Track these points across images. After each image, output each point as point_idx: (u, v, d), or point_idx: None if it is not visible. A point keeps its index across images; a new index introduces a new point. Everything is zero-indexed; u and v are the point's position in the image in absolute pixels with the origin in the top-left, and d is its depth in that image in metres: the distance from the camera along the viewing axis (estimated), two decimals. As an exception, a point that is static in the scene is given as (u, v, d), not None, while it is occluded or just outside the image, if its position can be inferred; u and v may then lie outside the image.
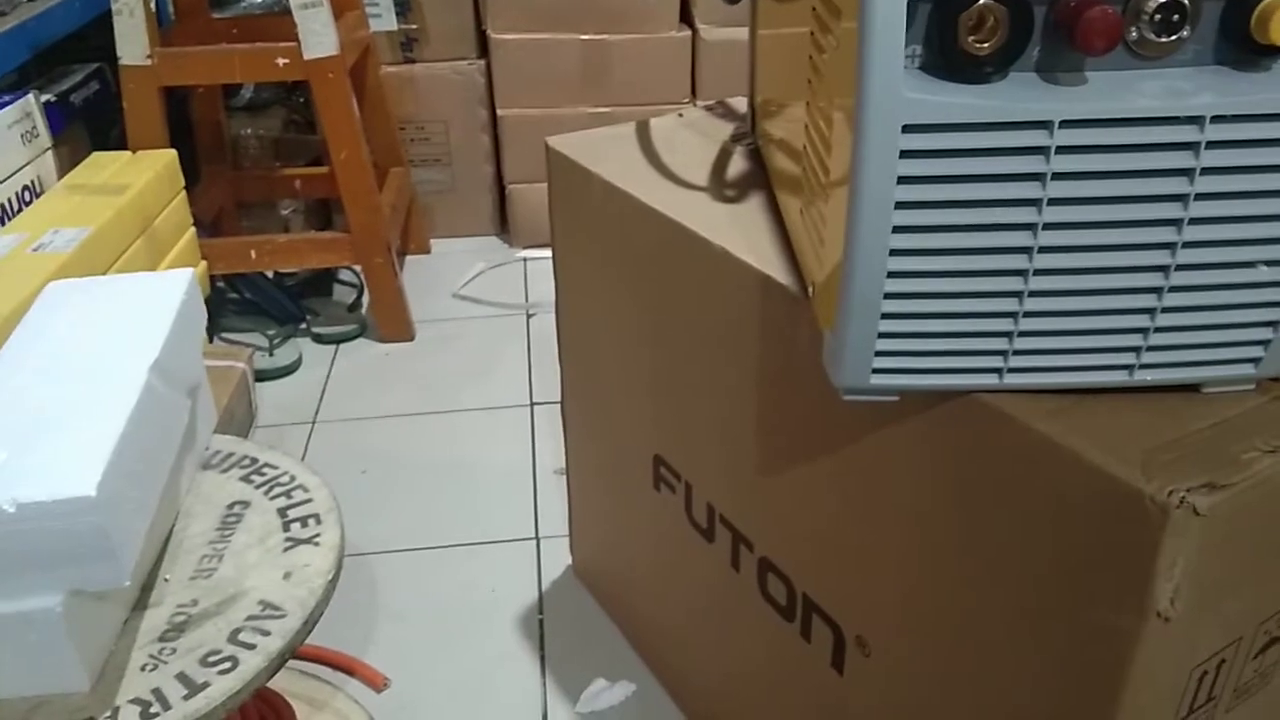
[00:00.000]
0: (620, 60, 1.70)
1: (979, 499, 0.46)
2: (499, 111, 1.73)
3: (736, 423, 0.64)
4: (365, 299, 1.55)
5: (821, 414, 0.55)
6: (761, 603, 0.67)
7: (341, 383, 1.37)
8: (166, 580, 0.61)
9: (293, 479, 0.70)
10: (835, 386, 0.45)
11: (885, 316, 0.42)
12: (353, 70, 1.54)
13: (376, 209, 1.40)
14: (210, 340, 1.44)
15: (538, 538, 1.06)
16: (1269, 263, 0.40)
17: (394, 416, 1.28)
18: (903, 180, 0.39)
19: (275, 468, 0.71)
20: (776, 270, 0.57)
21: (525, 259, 1.74)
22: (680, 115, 0.87)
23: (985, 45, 0.37)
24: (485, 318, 1.55)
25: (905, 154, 0.38)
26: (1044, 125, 0.37)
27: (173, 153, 1.29)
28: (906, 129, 0.38)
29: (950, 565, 0.49)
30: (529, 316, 1.54)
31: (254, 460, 0.72)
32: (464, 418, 1.28)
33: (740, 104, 0.84)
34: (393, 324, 1.46)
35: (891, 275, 0.41)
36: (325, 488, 0.69)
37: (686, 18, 1.70)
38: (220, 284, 1.51)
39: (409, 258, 1.75)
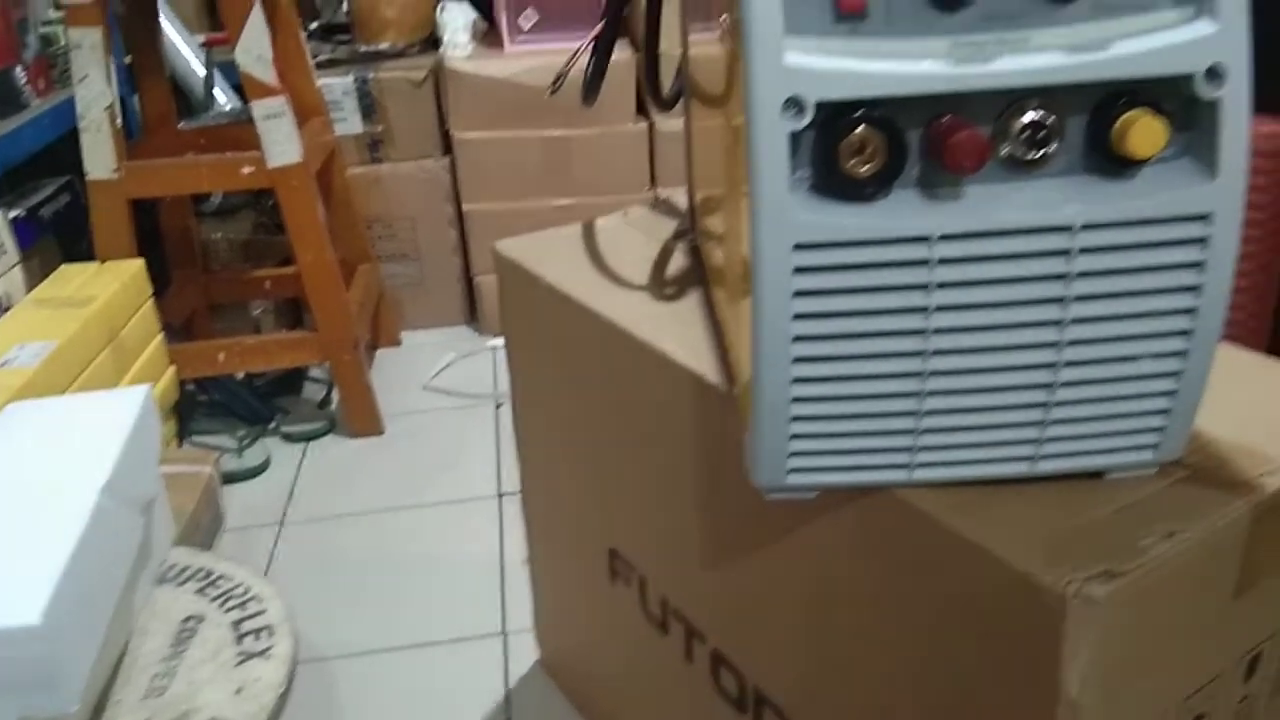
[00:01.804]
0: (581, 155, 1.75)
1: (899, 592, 0.47)
2: (464, 207, 1.77)
3: (680, 517, 0.66)
4: (335, 395, 1.56)
5: (755, 510, 0.56)
6: (715, 696, 0.67)
7: (310, 481, 1.37)
8: (119, 702, 0.61)
9: (247, 590, 0.71)
10: (755, 485, 0.47)
11: (795, 419, 0.44)
12: (319, 173, 1.58)
13: (343, 307, 1.42)
14: (180, 444, 1.45)
15: (505, 633, 1.06)
16: (1152, 355, 0.42)
17: (362, 514, 1.29)
18: (798, 294, 0.41)
19: (230, 579, 0.72)
20: (709, 370, 0.59)
21: (495, 348, 1.76)
22: (625, 214, 0.90)
23: (865, 169, 0.40)
24: (455, 409, 1.56)
25: (799, 270, 0.40)
26: (924, 240, 0.40)
27: (140, 262, 1.31)
28: (798, 247, 0.40)
29: (880, 659, 0.50)
30: (498, 406, 1.55)
31: (209, 572, 0.73)
32: (432, 512, 1.29)
33: (684, 199, 0.88)
34: (361, 419, 1.47)
35: (796, 381, 0.43)
36: (279, 598, 0.70)
37: (643, 110, 1.76)
38: (191, 387, 1.53)
39: (379, 351, 1.77)
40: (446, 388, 1.62)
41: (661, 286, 0.74)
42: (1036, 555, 0.41)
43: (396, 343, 1.79)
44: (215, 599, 0.70)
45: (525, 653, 1.03)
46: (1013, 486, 0.45)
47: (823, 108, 0.39)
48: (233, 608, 0.69)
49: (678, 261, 0.78)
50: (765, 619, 0.59)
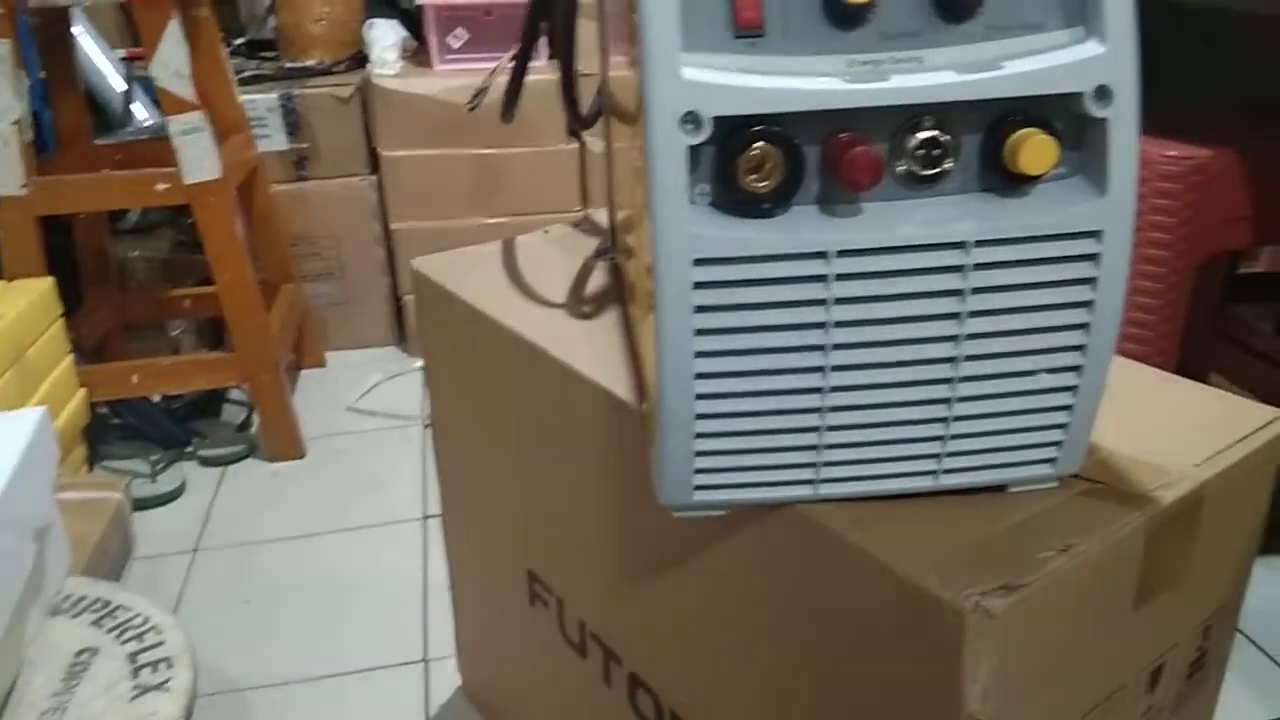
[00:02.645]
0: (511, 173, 1.74)
1: (807, 609, 0.47)
2: (391, 225, 1.75)
3: (596, 538, 0.65)
4: (255, 418, 1.52)
5: (665, 530, 0.56)
6: (633, 719, 0.66)
7: (227, 507, 1.33)
8: (2, 739, 0.58)
9: (146, 621, 0.68)
10: (661, 504, 0.46)
11: (699, 436, 0.44)
12: (241, 190, 1.54)
13: (263, 327, 1.39)
14: (90, 468, 1.40)
15: (426, 660, 1.04)
16: (1048, 370, 0.43)
17: (280, 540, 1.25)
18: (700, 309, 0.41)
19: (128, 609, 0.69)
20: (623, 388, 0.59)
21: (423, 368, 1.73)
22: (546, 232, 0.89)
23: (764, 184, 0.40)
24: (380, 430, 1.53)
25: (699, 285, 0.40)
26: (821, 255, 0.40)
27: (49, 280, 1.27)
28: (698, 262, 0.40)
29: (788, 677, 0.50)
30: (425, 427, 1.53)
31: (107, 603, 0.70)
32: (354, 536, 1.26)
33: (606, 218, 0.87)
34: (282, 442, 1.43)
35: (700, 397, 0.42)
36: (180, 628, 0.67)
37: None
38: (104, 410, 1.48)
39: (303, 372, 1.74)
40: (372, 409, 1.59)
41: (580, 304, 0.73)
42: (937, 570, 0.41)
43: (321, 363, 1.76)
44: (112, 630, 0.68)
45: (447, 680, 1.00)
46: (916, 501, 0.45)
47: (720, 123, 0.39)
48: (130, 639, 0.66)
49: (597, 280, 0.78)
50: (677, 640, 0.59)
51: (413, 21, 1.82)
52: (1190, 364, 1.28)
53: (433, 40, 1.71)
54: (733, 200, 0.40)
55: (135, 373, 1.39)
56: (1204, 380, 1.39)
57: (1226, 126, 1.08)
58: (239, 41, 1.95)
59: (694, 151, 0.39)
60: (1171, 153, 1.00)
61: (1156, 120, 1.07)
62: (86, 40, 1.82)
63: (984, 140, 0.40)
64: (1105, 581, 0.44)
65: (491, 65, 1.69)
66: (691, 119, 0.39)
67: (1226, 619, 0.56)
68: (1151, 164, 1.01)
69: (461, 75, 1.68)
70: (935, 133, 0.40)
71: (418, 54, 1.81)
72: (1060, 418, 0.44)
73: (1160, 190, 1.01)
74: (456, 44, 1.73)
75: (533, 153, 1.72)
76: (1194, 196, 1.00)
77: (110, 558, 1.17)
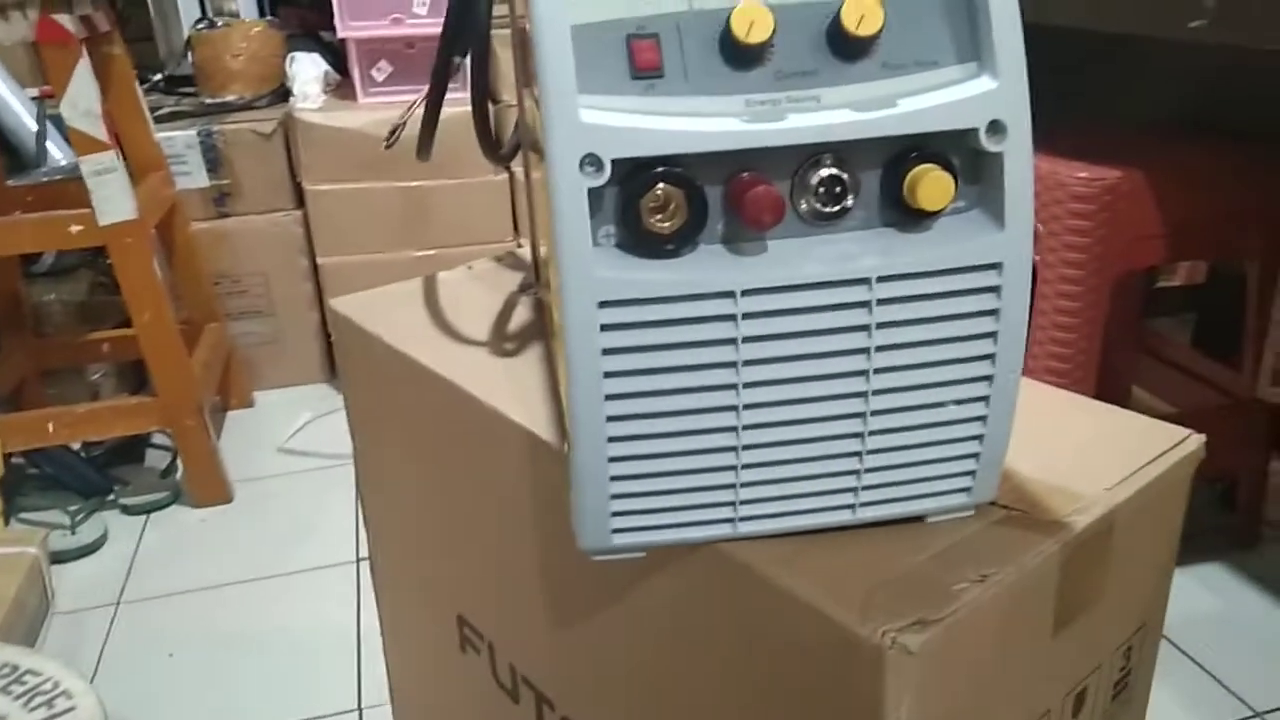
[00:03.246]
0: (440, 205, 1.72)
1: (732, 649, 0.47)
2: (319, 260, 1.72)
3: (523, 580, 0.64)
4: (180, 463, 1.48)
5: (589, 572, 0.55)
6: (566, 763, 0.65)
7: (151, 557, 1.29)
8: (-105, 822, 0.55)
9: (56, 685, 0.65)
10: (581, 548, 0.46)
11: (614, 479, 0.43)
12: (160, 228, 1.51)
13: (185, 370, 1.36)
14: (6, 522, 1.34)
15: (360, 709, 1.01)
16: (957, 401, 0.43)
17: (207, 589, 1.22)
18: (607, 351, 0.40)
19: (38, 674, 0.66)
20: (544, 428, 0.58)
21: (351, 407, 1.70)
22: (470, 268, 0.88)
23: (668, 225, 0.39)
24: (311, 470, 1.50)
25: (606, 327, 0.40)
26: (728, 295, 0.39)
27: (-45, 329, 1.23)
28: (603, 304, 0.39)
29: (716, 717, 0.49)
30: (358, 466, 1.50)
31: (14, 668, 0.67)
32: (284, 582, 1.23)
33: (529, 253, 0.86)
34: (207, 487, 1.40)
35: (612, 440, 0.42)
36: (92, 693, 0.64)
37: (501, 161, 1.75)
38: (19, 460, 1.42)
39: (230, 414, 1.70)
40: (303, 449, 1.56)
41: (502, 341, 0.72)
42: (854, 606, 0.41)
43: (249, 404, 1.72)
44: (20, 697, 0.65)
45: (382, 727, 0.98)
46: (836, 536, 0.45)
47: (620, 165, 0.38)
48: (39, 706, 0.64)
49: (521, 315, 0.77)
50: (607, 683, 0.58)
51: (336, 55, 1.81)
52: (1112, 379, 1.31)
53: (356, 73, 1.70)
54: (638, 241, 0.40)
55: (51, 421, 1.34)
56: (1126, 394, 1.43)
57: (1135, 146, 1.11)
58: (157, 78, 1.92)
59: (596, 194, 0.39)
60: (1083, 174, 1.03)
61: (1067, 141, 1.10)
62: (-4, 79, 1.78)
63: (883, 177, 0.41)
64: (1022, 609, 0.44)
65: (416, 98, 1.68)
66: (592, 161, 0.38)
67: (1148, 637, 0.56)
68: (1064, 185, 1.04)
69: (386, 109, 1.67)
70: (835, 170, 0.40)
71: (341, 87, 1.79)
72: (972, 447, 0.44)
73: (1073, 211, 1.03)
74: (380, 77, 1.72)
75: (461, 184, 1.71)
76: (1106, 216, 1.03)
77: (27, 615, 1.13)
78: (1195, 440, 0.53)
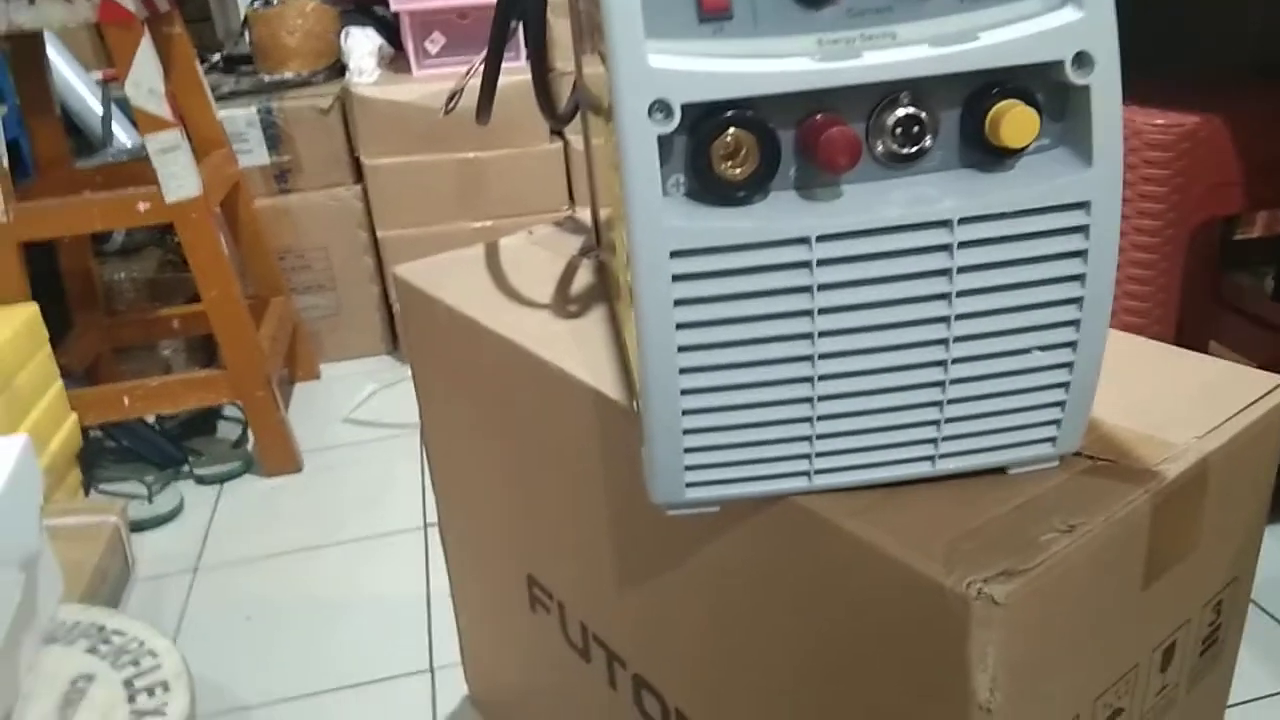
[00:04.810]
0: (496, 176, 1.72)
1: (809, 603, 0.46)
2: (379, 234, 1.74)
3: (594, 539, 0.64)
4: (250, 434, 1.51)
5: (662, 528, 0.54)
6: (640, 721, 0.65)
7: (225, 525, 1.32)
8: (-2, 775, 0.57)
9: (141, 644, 0.67)
10: (654, 502, 0.45)
11: (688, 432, 0.42)
12: (224, 206, 1.53)
13: (253, 343, 1.38)
14: (87, 493, 1.38)
15: (432, 669, 1.03)
16: (1042, 347, 0.42)
17: (280, 555, 1.24)
18: (679, 302, 0.39)
19: (123, 634, 0.68)
20: (612, 387, 0.58)
21: (416, 377, 1.72)
22: (530, 233, 0.88)
23: (739, 171, 0.38)
24: (378, 440, 1.52)
25: (677, 278, 0.39)
26: (803, 241, 0.39)
27: (33, 307, 1.26)
28: (675, 254, 0.39)
29: (792, 673, 0.49)
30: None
31: (101, 628, 0.69)
32: (354, 548, 1.25)
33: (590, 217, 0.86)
34: (278, 457, 1.42)
35: (685, 393, 0.41)
36: (174, 651, 0.66)
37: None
38: (97, 433, 1.47)
39: (298, 386, 1.73)
40: (368, 419, 1.58)
41: (565, 304, 0.72)
42: (938, 557, 0.40)
43: (315, 376, 1.75)
44: (107, 656, 0.67)
45: (454, 688, 0.99)
46: (915, 487, 0.44)
47: (690, 110, 0.37)
48: (126, 664, 0.65)
49: (583, 279, 0.77)
50: (679, 640, 0.58)
51: (389, 28, 1.81)
52: (1189, 333, 1.26)
53: (410, 46, 1.70)
54: (708, 189, 0.39)
55: (126, 395, 1.38)
56: (1204, 349, 1.38)
57: (1211, 92, 1.06)
58: (215, 58, 1.94)
59: (666, 141, 0.38)
60: (1159, 121, 0.99)
61: (1142, 89, 1.06)
62: (61, 63, 1.81)
63: (963, 115, 0.39)
64: (1111, 561, 0.43)
65: (471, 65, 1.67)
66: (661, 107, 0.37)
67: (1239, 592, 0.55)
68: (1140, 133, 1.00)
69: (440, 80, 1.67)
70: (912, 109, 0.38)
71: (396, 60, 1.79)
72: (1057, 395, 0.43)
73: (1149, 159, 1.00)
74: (434, 49, 1.72)
75: (516, 154, 1.71)
76: (1184, 164, 0.99)
77: (110, 582, 1.16)
78: (1289, 387, 0.51)
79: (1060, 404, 0.43)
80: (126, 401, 1.37)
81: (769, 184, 0.39)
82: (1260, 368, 1.28)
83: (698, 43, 0.38)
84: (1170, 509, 0.44)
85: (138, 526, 1.31)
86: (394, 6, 1.66)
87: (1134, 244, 1.03)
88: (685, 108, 0.37)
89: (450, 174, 1.71)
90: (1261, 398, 0.50)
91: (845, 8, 0.38)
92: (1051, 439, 0.44)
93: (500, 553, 0.80)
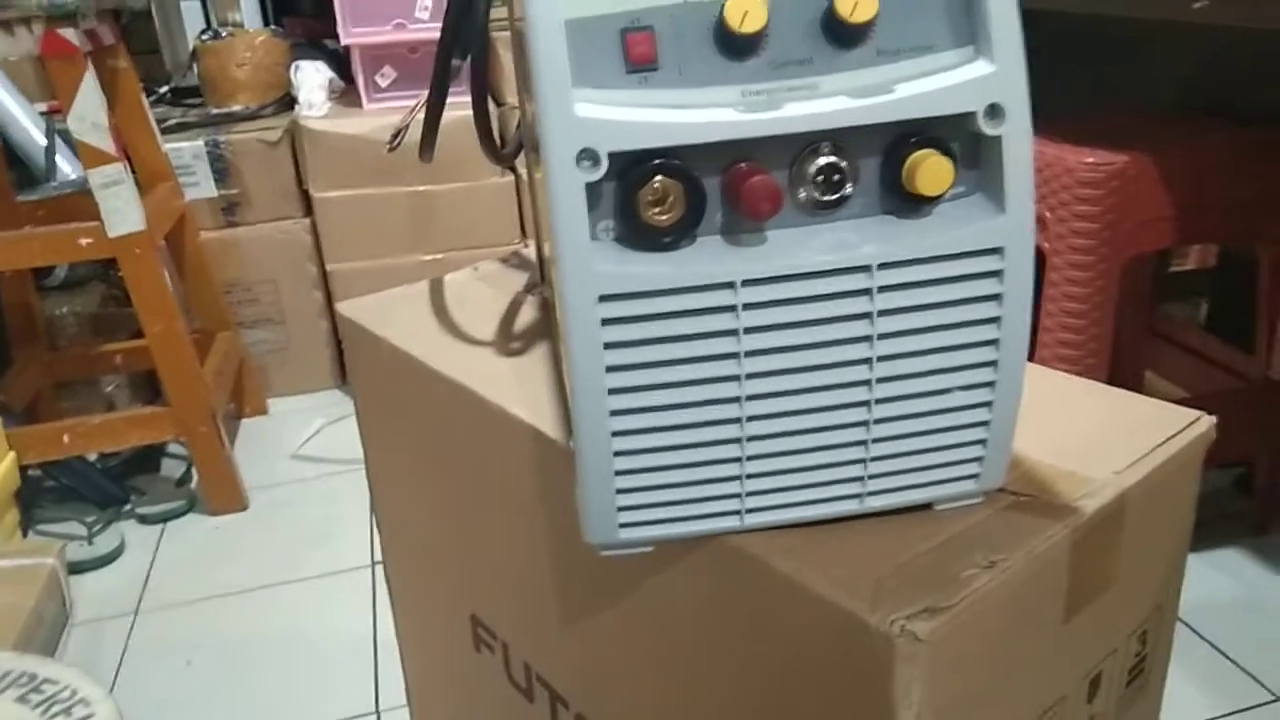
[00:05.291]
0: (447, 209, 1.73)
1: (743, 642, 0.47)
2: (328, 267, 1.73)
3: (534, 579, 0.64)
4: (195, 471, 1.49)
5: (602, 568, 0.55)
6: (582, 760, 0.65)
7: (168, 566, 1.30)
8: (-82, 831, 0.56)
9: (74, 693, 0.66)
10: (588, 543, 0.46)
11: (620, 473, 0.43)
12: (170, 239, 1.52)
13: (197, 379, 1.36)
14: (24, 534, 1.35)
15: (378, 712, 1.01)
16: (962, 387, 0.43)
17: (223, 596, 1.22)
18: (609, 345, 0.40)
19: (55, 683, 0.67)
20: (551, 425, 0.58)
21: (363, 412, 1.71)
22: (476, 269, 0.88)
23: (666, 217, 0.39)
24: (326, 476, 1.51)
25: (607, 321, 0.40)
26: (728, 285, 0.39)
27: (-31, 343, 1.24)
28: (603, 298, 0.39)
29: (733, 711, 0.49)
30: (371, 471, 1.50)
31: (33, 676, 0.68)
32: (301, 588, 1.23)
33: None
34: (222, 495, 1.40)
35: (617, 434, 0.42)
36: (109, 700, 0.65)
37: (507, 163, 1.75)
38: (36, 472, 1.43)
39: (245, 421, 1.71)
40: (317, 455, 1.57)
41: (508, 341, 0.72)
42: (863, 595, 0.40)
43: (263, 411, 1.73)
44: (39, 705, 0.65)
45: (400, 729, 0.98)
46: (844, 525, 0.45)
47: (617, 158, 0.38)
48: (57, 713, 0.64)
49: (527, 315, 0.77)
50: (620, 680, 0.58)
51: (340, 61, 1.81)
52: (1125, 364, 1.30)
53: (360, 80, 1.70)
54: (637, 235, 0.40)
55: (66, 433, 1.35)
56: (1139, 379, 1.42)
57: (1142, 131, 1.10)
58: (163, 89, 1.93)
59: (594, 188, 0.39)
60: (1090, 159, 1.02)
61: (1073, 127, 1.09)
62: (3, 94, 1.79)
63: (882, 163, 0.41)
64: (1033, 595, 0.44)
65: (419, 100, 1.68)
66: (588, 155, 0.38)
67: (1163, 621, 0.56)
68: (1071, 171, 1.03)
69: (391, 114, 1.67)
70: (833, 158, 0.40)
71: (346, 94, 1.80)
72: (979, 433, 0.44)
73: (1081, 196, 1.03)
74: (384, 82, 1.72)
75: (467, 187, 1.72)
76: (1114, 200, 1.03)
77: (46, 626, 1.13)
78: (1205, 422, 0.52)
79: (982, 442, 0.44)
80: (67, 439, 1.34)
81: (696, 229, 0.40)
82: (1194, 396, 1.32)
83: (625, 92, 0.39)
84: (1089, 543, 0.46)
85: (77, 568, 1.28)
86: (344, 40, 1.67)
87: (1068, 278, 1.06)
88: (612, 156, 0.38)
89: (401, 207, 1.71)
90: (1179, 432, 0.52)
91: (768, 59, 0.39)
92: (975, 476, 0.45)
93: (444, 592, 0.80)
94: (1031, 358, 1.21)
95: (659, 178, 0.39)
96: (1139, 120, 1.17)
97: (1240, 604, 1.10)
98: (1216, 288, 1.50)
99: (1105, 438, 0.52)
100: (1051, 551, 0.44)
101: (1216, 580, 1.13)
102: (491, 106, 1.65)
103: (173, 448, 1.55)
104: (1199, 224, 1.09)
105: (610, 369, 0.40)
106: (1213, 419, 0.52)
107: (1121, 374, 1.24)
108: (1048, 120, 1.14)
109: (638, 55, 0.39)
